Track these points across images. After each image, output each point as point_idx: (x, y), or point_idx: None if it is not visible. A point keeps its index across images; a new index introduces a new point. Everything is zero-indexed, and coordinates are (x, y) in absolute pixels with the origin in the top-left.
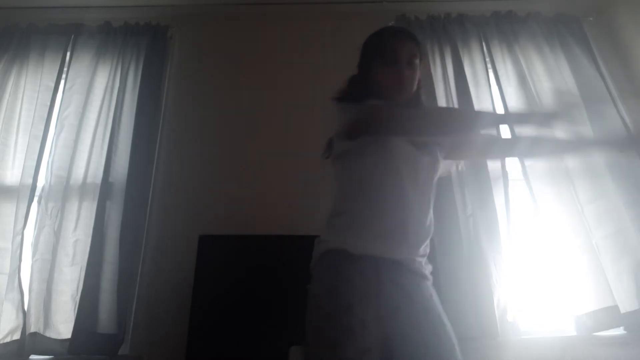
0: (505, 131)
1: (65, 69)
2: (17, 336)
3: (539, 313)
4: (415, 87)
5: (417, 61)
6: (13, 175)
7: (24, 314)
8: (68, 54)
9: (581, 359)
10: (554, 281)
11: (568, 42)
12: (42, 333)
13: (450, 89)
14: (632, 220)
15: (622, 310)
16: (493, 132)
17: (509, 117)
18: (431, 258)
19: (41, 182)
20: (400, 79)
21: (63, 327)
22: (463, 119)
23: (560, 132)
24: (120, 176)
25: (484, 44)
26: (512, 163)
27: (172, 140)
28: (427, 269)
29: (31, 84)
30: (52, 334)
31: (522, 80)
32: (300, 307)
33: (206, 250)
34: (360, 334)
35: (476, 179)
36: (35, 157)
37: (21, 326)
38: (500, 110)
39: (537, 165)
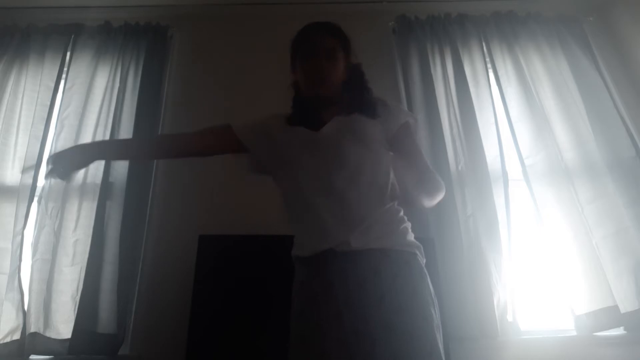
0: None
1: (65, 69)
2: (17, 336)
3: (539, 313)
4: (338, 79)
5: (339, 54)
6: (13, 175)
7: (24, 314)
8: (68, 54)
9: (581, 359)
10: (554, 281)
11: (568, 42)
12: (42, 333)
13: (450, 89)
14: (632, 220)
15: (622, 310)
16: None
17: None
18: (431, 258)
19: (41, 182)
20: (317, 70)
21: (63, 327)
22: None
23: None
24: (120, 176)
25: (484, 44)
26: (512, 163)
27: None
28: (394, 249)
29: (31, 84)
30: (52, 334)
31: (522, 80)
32: None
33: (206, 250)
34: (315, 338)
35: (476, 179)
36: (35, 157)
37: (21, 326)
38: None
39: (537, 165)
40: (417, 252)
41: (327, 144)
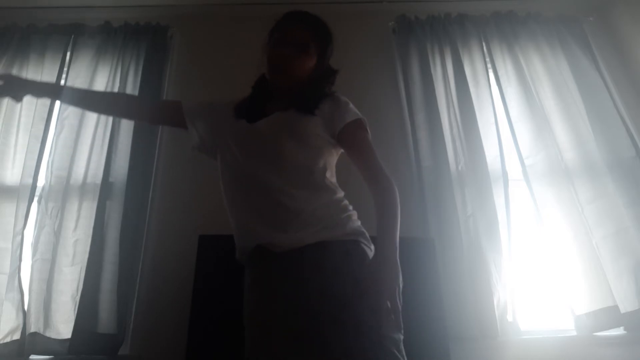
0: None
1: (65, 69)
2: (17, 336)
3: (539, 313)
4: (301, 73)
5: (311, 49)
6: (13, 175)
7: (24, 314)
8: (68, 54)
9: (581, 359)
10: (554, 281)
11: (568, 42)
12: (42, 333)
13: (450, 89)
14: (632, 220)
15: (622, 310)
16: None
17: None
18: (431, 258)
19: (41, 182)
20: (280, 59)
21: (63, 327)
22: None
23: None
24: (120, 176)
25: (484, 44)
26: (512, 163)
27: (172, 140)
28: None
29: None
30: (52, 334)
31: (522, 80)
32: None
33: (206, 250)
34: (264, 339)
35: (476, 179)
36: (35, 157)
37: (21, 326)
38: (500, 109)
39: (537, 165)
40: (360, 239)
41: (259, 139)
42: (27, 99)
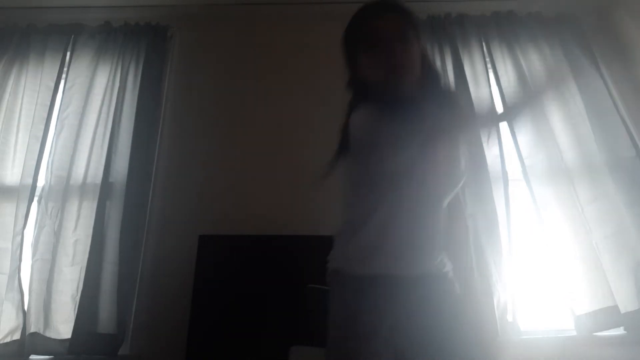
0: None
1: (65, 69)
2: (17, 336)
3: (539, 313)
4: (418, 64)
5: (410, 34)
6: (13, 175)
7: (24, 314)
8: (68, 54)
9: (581, 359)
10: (554, 281)
11: (568, 42)
12: (42, 333)
13: None
14: (632, 220)
15: (622, 310)
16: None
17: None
18: None
19: (41, 182)
20: (394, 58)
21: (63, 327)
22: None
23: None
24: (120, 176)
25: (484, 44)
26: (512, 163)
27: (172, 140)
28: (441, 271)
29: (31, 84)
30: (52, 334)
31: (522, 81)
32: (300, 307)
33: (206, 250)
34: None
35: (476, 179)
36: (35, 157)
37: (21, 326)
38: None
39: (537, 165)
40: (449, 270)
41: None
42: (27, 99)
